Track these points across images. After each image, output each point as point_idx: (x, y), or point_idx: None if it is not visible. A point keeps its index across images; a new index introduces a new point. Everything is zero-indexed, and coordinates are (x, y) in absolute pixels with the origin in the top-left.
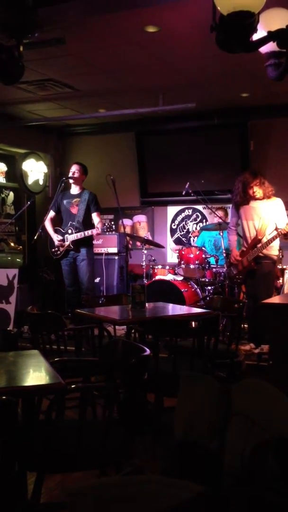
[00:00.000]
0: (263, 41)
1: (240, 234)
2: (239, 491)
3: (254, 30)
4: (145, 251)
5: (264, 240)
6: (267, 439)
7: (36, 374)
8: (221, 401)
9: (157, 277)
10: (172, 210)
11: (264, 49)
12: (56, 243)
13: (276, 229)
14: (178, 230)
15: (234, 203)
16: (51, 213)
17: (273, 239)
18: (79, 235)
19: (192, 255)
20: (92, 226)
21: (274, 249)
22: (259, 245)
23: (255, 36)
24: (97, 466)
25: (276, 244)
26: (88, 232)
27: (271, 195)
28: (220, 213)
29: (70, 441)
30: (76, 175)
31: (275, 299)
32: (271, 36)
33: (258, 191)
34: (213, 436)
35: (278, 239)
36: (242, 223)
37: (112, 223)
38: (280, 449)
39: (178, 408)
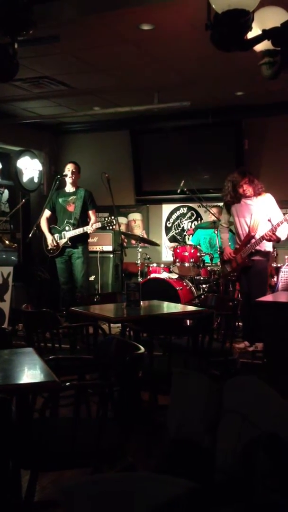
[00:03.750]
0: (257, 39)
1: (233, 231)
2: (231, 487)
3: (249, 28)
4: (140, 249)
5: (257, 236)
6: (258, 436)
7: (30, 372)
8: (213, 398)
9: (152, 275)
10: (167, 208)
11: (258, 47)
12: (50, 246)
13: (274, 226)
14: (173, 228)
15: (225, 202)
16: (47, 212)
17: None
18: (77, 231)
19: (187, 253)
20: (88, 223)
21: (267, 245)
22: (252, 241)
23: (250, 35)
24: (91, 464)
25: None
26: (85, 228)
27: (262, 192)
28: (214, 211)
29: (64, 439)
30: (74, 175)
31: (269, 297)
32: (265, 34)
33: (248, 189)
34: (205, 433)
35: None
36: (234, 220)
37: (113, 217)
38: (271, 446)
39: (171, 405)
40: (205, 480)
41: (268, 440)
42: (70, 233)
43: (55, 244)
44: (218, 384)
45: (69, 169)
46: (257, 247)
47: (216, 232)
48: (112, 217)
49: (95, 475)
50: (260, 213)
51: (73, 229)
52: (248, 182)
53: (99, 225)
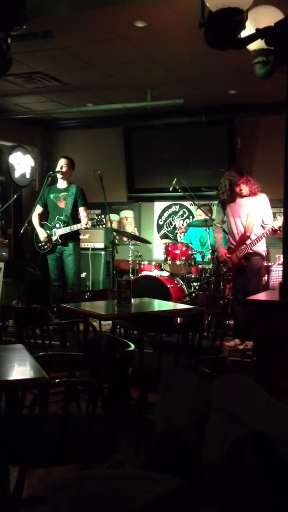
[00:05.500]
0: (251, 38)
1: (226, 231)
2: (218, 485)
3: (243, 27)
4: (132, 247)
5: (253, 237)
6: (246, 434)
7: (20, 369)
8: (201, 396)
9: (143, 273)
10: (159, 206)
11: (252, 46)
12: (42, 238)
13: (263, 225)
14: (165, 226)
15: (220, 201)
16: (38, 208)
17: (262, 236)
18: (67, 229)
19: (178, 251)
20: (79, 220)
21: (262, 245)
22: (248, 242)
23: (244, 33)
24: (80, 461)
25: (263, 240)
26: (76, 226)
27: (257, 192)
28: (204, 209)
29: (53, 435)
30: (64, 169)
31: (260, 296)
32: (259, 33)
33: (245, 188)
34: (193, 431)
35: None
36: (229, 220)
37: (103, 216)
38: (258, 444)
39: (159, 402)
40: (193, 477)
41: (256, 438)
42: (60, 230)
43: (48, 237)
44: (207, 382)
45: (60, 164)
46: (253, 247)
47: (207, 230)
48: (103, 216)
49: (83, 472)
50: (256, 213)
51: (63, 226)
52: (245, 181)
53: (89, 225)
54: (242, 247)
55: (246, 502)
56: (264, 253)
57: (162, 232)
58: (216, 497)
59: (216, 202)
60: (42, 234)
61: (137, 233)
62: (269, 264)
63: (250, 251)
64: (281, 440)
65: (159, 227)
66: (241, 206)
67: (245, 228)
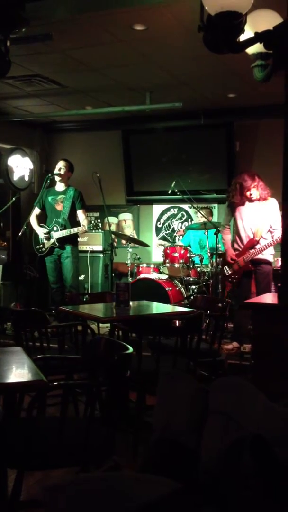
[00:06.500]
0: (250, 42)
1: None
2: (215, 487)
3: (242, 30)
4: (130, 249)
5: (262, 241)
6: (243, 437)
7: (18, 371)
8: (199, 399)
9: (142, 276)
10: (157, 209)
11: (251, 50)
12: (42, 235)
13: (271, 230)
14: (163, 229)
15: (230, 203)
16: (36, 210)
17: (270, 244)
18: (65, 232)
19: (177, 254)
20: (77, 223)
21: (270, 251)
22: (257, 247)
23: (242, 37)
24: (78, 464)
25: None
26: (74, 230)
27: (267, 197)
28: (204, 212)
29: (51, 438)
30: (62, 171)
31: (258, 299)
32: (258, 37)
33: (254, 193)
34: (191, 433)
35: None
36: (237, 223)
37: (99, 220)
38: (255, 447)
39: (157, 405)
40: (190, 480)
41: (253, 441)
42: (57, 233)
43: (47, 233)
44: (205, 385)
45: (59, 166)
46: (260, 255)
47: (206, 233)
48: (99, 220)
49: (80, 475)
50: (264, 218)
51: (60, 229)
52: (256, 186)
53: (86, 228)
54: (251, 251)
55: (243, 504)
56: (271, 259)
57: (161, 235)
58: (214, 499)
59: (214, 205)
60: (41, 231)
61: (135, 236)
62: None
63: (258, 256)
64: (278, 442)
65: (158, 230)
66: (250, 210)
67: (253, 233)
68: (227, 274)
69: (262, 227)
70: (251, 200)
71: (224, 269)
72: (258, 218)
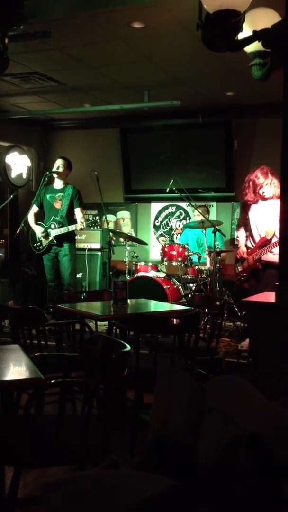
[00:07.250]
0: (248, 40)
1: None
2: (212, 486)
3: (240, 29)
4: (128, 247)
5: (274, 239)
6: (240, 435)
7: (16, 369)
8: (196, 397)
9: (140, 274)
10: (155, 207)
11: (249, 48)
12: (39, 234)
13: None
14: (161, 227)
15: (242, 202)
16: (34, 208)
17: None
18: (63, 229)
19: (175, 252)
20: (74, 221)
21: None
22: (268, 246)
23: (241, 35)
24: (75, 462)
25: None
26: (71, 227)
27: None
28: (201, 210)
29: (49, 436)
30: (60, 169)
31: (256, 297)
32: (256, 35)
33: (267, 191)
34: (188, 432)
35: None
36: (250, 221)
37: (97, 217)
38: (252, 445)
39: (154, 403)
40: (187, 478)
41: (250, 439)
42: (55, 231)
43: (44, 232)
44: (202, 383)
45: (57, 164)
46: (270, 256)
47: (204, 231)
48: (97, 217)
49: (76, 472)
50: (277, 217)
51: (58, 227)
52: (270, 183)
53: (84, 225)
54: (261, 250)
55: (240, 503)
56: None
57: (159, 233)
58: (210, 497)
59: (212, 203)
60: (38, 230)
61: (133, 234)
62: None
63: (269, 258)
64: (275, 441)
65: (156, 228)
66: (263, 208)
67: (266, 232)
68: (236, 272)
69: (274, 226)
70: (264, 198)
71: (237, 265)
72: (270, 216)
